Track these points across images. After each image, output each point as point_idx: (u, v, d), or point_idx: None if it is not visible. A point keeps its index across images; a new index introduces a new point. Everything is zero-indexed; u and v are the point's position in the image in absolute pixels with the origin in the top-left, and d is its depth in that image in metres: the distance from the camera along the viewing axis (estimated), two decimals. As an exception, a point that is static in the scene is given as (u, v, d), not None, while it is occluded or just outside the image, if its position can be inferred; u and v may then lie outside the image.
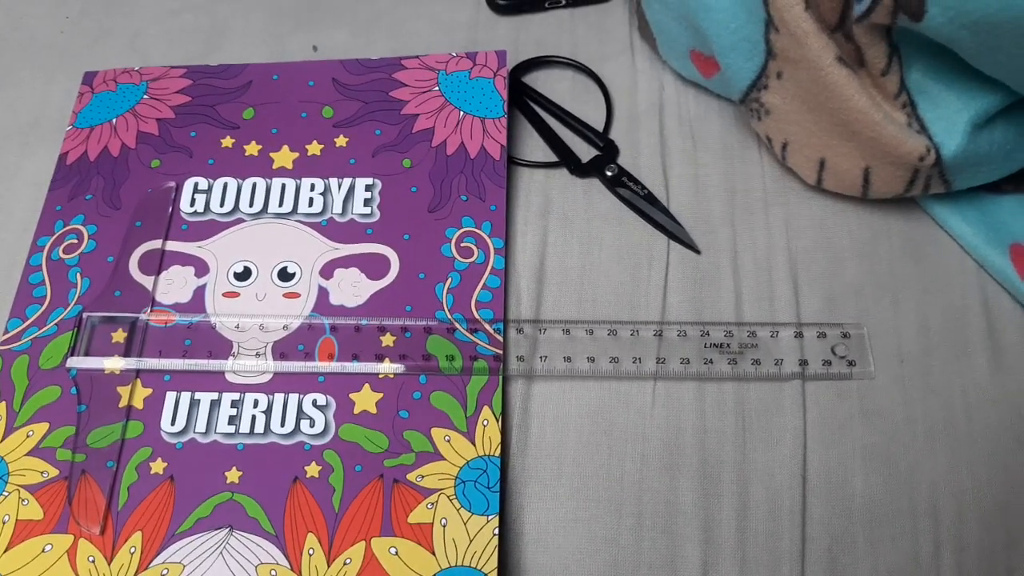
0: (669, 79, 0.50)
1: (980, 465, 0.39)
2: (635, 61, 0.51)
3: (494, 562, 0.36)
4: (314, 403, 0.40)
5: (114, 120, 0.47)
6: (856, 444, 0.39)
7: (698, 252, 0.44)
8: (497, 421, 0.39)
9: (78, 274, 0.43)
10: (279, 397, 0.40)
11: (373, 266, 0.43)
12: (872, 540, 0.38)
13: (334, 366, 0.40)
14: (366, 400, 0.40)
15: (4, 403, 0.40)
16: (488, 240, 0.43)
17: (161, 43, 0.53)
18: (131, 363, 0.41)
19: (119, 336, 0.41)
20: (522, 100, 0.50)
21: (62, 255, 0.44)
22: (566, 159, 0.47)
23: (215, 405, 0.40)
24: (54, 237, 0.44)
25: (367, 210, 0.44)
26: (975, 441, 0.39)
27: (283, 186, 0.45)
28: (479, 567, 0.36)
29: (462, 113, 0.47)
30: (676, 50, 0.47)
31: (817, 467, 0.39)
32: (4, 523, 0.38)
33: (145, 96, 0.48)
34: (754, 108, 0.44)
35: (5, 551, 0.37)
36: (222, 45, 0.53)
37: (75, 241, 0.44)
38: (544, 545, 0.38)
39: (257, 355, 0.41)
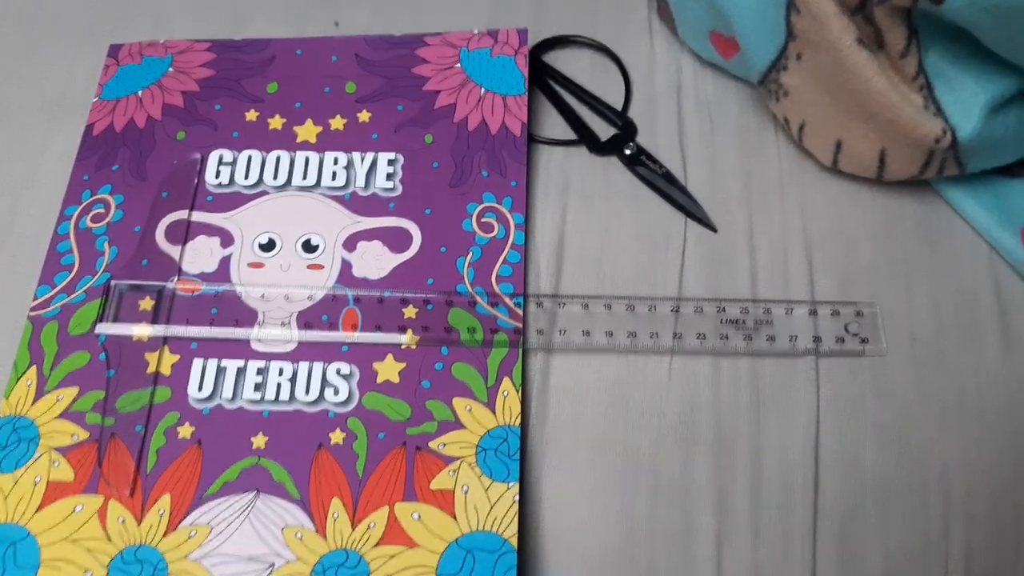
0: (687, 60, 0.50)
1: (990, 443, 0.39)
2: (653, 42, 0.51)
3: (514, 527, 0.37)
4: (338, 372, 0.41)
5: (140, 92, 0.48)
6: (868, 421, 0.40)
7: (715, 231, 0.45)
8: (517, 392, 0.40)
9: (106, 243, 0.44)
10: (304, 366, 0.41)
11: (395, 239, 0.44)
12: (883, 515, 0.39)
13: (357, 336, 0.41)
14: (389, 370, 0.41)
15: (35, 367, 0.41)
16: (509, 215, 0.44)
17: (185, 19, 0.54)
18: (159, 330, 0.41)
19: (147, 304, 0.42)
20: (541, 79, 0.50)
21: (90, 224, 0.44)
22: (585, 137, 0.48)
23: (241, 373, 0.41)
24: (81, 206, 0.45)
25: (389, 184, 0.45)
26: (985, 420, 0.40)
27: (307, 159, 0.46)
28: (499, 532, 0.37)
29: (483, 90, 0.47)
30: (695, 31, 0.48)
31: (830, 443, 0.40)
32: (36, 484, 0.38)
33: (170, 69, 0.49)
34: (772, 89, 0.45)
35: (37, 511, 0.38)
36: (245, 22, 0.53)
37: (102, 210, 0.45)
38: (562, 513, 0.39)
39: (282, 324, 0.42)
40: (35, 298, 0.43)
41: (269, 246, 0.44)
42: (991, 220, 0.43)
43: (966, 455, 0.39)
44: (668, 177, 0.46)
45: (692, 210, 0.45)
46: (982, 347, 0.41)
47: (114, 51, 0.50)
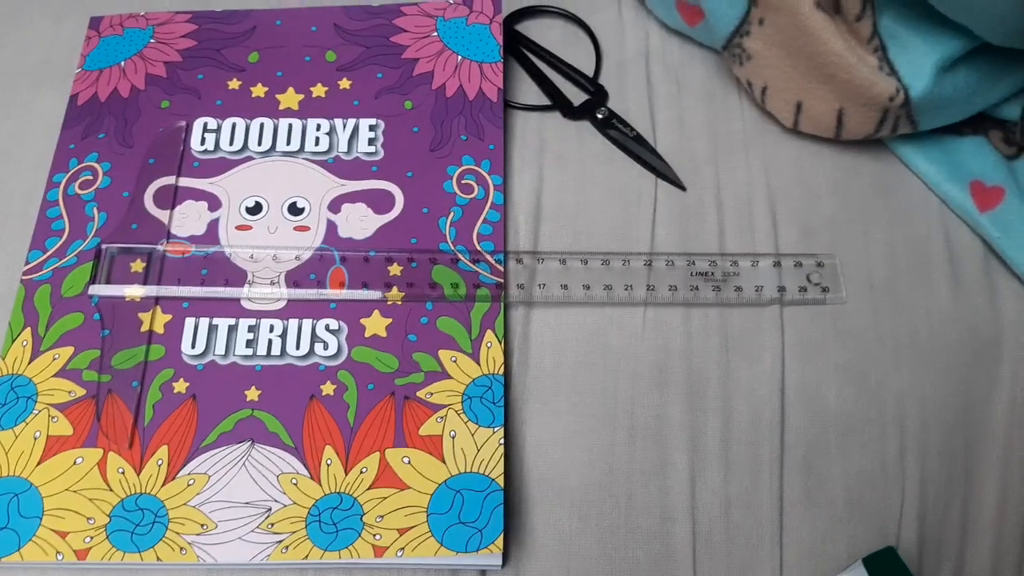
0: (654, 28, 0.52)
1: (941, 378, 0.42)
2: (622, 11, 0.53)
3: (500, 468, 0.39)
4: (327, 328, 0.42)
5: (123, 63, 0.49)
6: (829, 361, 0.43)
7: (683, 189, 0.47)
8: (500, 343, 0.42)
9: (95, 208, 0.45)
10: (293, 322, 0.42)
11: (379, 201, 0.45)
12: (844, 447, 0.41)
13: (345, 293, 0.43)
14: (376, 325, 0.42)
15: (29, 328, 0.42)
16: (488, 177, 0.46)
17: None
18: (151, 290, 0.43)
19: (138, 266, 0.43)
20: (515, 47, 0.52)
21: (78, 191, 0.45)
22: (559, 103, 0.50)
23: (233, 330, 0.42)
24: (69, 174, 0.46)
25: (371, 149, 0.47)
26: (937, 357, 0.43)
27: (290, 126, 0.47)
28: (486, 473, 0.39)
29: (460, 58, 0.49)
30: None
31: (794, 383, 0.42)
32: (36, 439, 0.40)
33: (152, 40, 0.50)
34: (736, 54, 0.47)
35: (38, 464, 0.39)
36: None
37: (90, 177, 0.46)
38: (545, 455, 0.41)
39: (271, 283, 0.43)
40: (27, 262, 0.44)
41: (256, 209, 0.45)
42: (941, 175, 0.46)
43: (920, 390, 0.42)
44: (638, 139, 0.48)
45: (662, 170, 0.47)
46: (933, 291, 0.44)
47: (95, 23, 0.51)
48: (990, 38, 0.41)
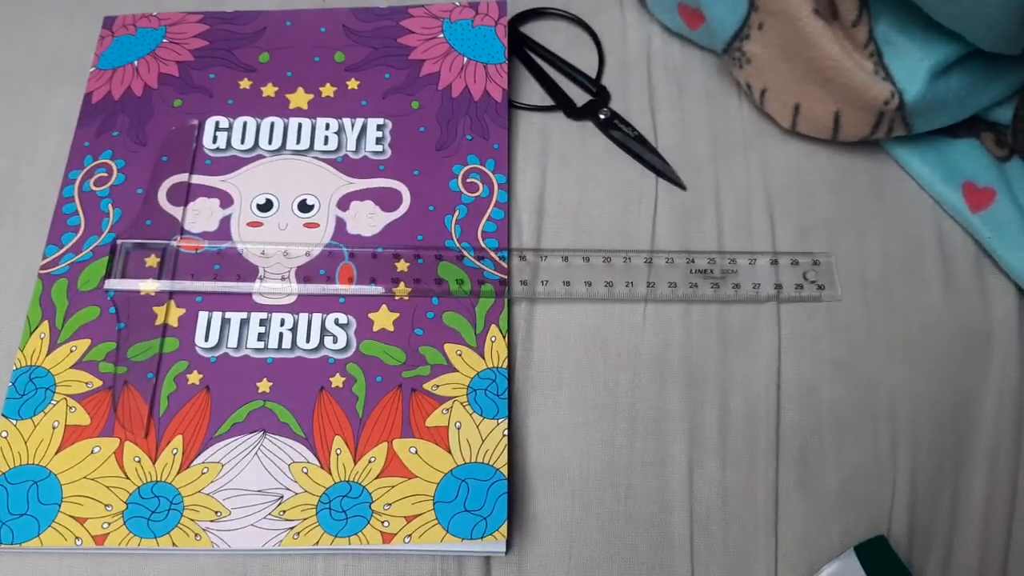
0: (656, 31, 0.53)
1: (933, 375, 0.44)
2: (624, 14, 0.54)
3: (504, 459, 0.40)
4: (336, 322, 0.43)
5: (136, 62, 0.50)
6: (824, 357, 0.44)
7: (684, 188, 0.48)
8: (504, 338, 0.43)
9: (110, 204, 0.46)
10: (304, 316, 0.44)
11: (386, 199, 0.46)
12: (838, 440, 0.42)
13: (353, 288, 0.44)
14: (384, 319, 0.44)
15: (47, 321, 0.43)
16: (492, 176, 0.47)
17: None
18: (165, 285, 0.44)
19: (152, 261, 0.45)
20: (519, 48, 0.53)
21: (93, 187, 0.46)
22: (562, 103, 0.51)
23: (244, 324, 0.43)
24: (84, 171, 0.47)
25: (379, 148, 0.48)
26: (928, 353, 0.44)
27: (299, 125, 0.48)
28: (491, 463, 0.40)
29: (466, 59, 0.50)
30: (664, 3, 0.51)
31: (790, 378, 0.44)
32: (54, 428, 0.41)
33: (164, 40, 0.51)
34: (736, 57, 0.48)
35: (57, 453, 0.40)
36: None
37: (105, 174, 0.47)
38: (547, 447, 0.43)
39: (282, 279, 0.44)
40: (44, 257, 0.45)
41: (267, 206, 0.46)
42: (935, 176, 0.47)
43: (911, 386, 0.43)
44: (640, 139, 0.49)
45: (662, 169, 0.49)
46: (926, 289, 0.45)
47: (108, 23, 0.52)
48: (981, 44, 0.42)
